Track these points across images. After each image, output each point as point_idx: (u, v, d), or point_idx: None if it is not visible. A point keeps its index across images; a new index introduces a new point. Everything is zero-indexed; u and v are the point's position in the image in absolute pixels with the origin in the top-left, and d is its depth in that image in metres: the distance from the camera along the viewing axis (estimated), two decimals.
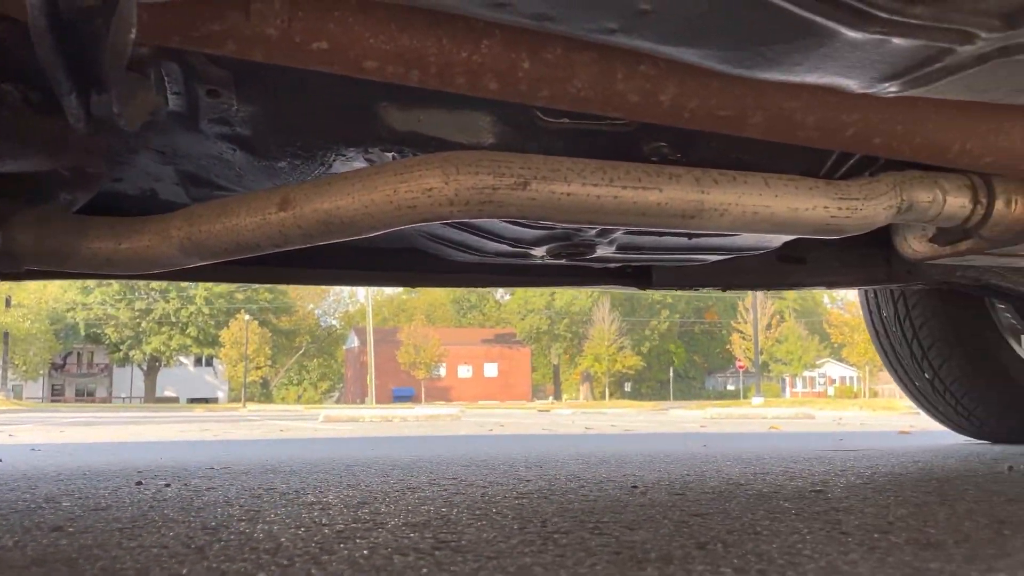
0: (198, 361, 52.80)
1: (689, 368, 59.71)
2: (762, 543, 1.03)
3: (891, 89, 0.86)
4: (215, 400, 49.68)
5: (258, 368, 47.75)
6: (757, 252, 1.76)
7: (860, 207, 1.34)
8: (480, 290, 57.14)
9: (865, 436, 3.78)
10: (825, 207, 1.32)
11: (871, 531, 1.12)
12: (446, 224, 1.52)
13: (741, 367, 46.17)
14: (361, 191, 1.12)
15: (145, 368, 49.21)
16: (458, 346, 51.52)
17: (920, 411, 2.71)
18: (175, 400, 49.90)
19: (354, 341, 52.08)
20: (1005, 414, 2.51)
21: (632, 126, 1.27)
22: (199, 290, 46.99)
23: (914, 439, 3.34)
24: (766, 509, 1.34)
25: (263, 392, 52.80)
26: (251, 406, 32.60)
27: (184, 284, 42.32)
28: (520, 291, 54.17)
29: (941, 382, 2.48)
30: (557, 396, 52.98)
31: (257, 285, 40.39)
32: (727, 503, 1.42)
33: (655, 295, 56.68)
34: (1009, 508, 1.35)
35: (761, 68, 0.82)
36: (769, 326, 45.53)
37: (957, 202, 1.46)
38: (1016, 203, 1.49)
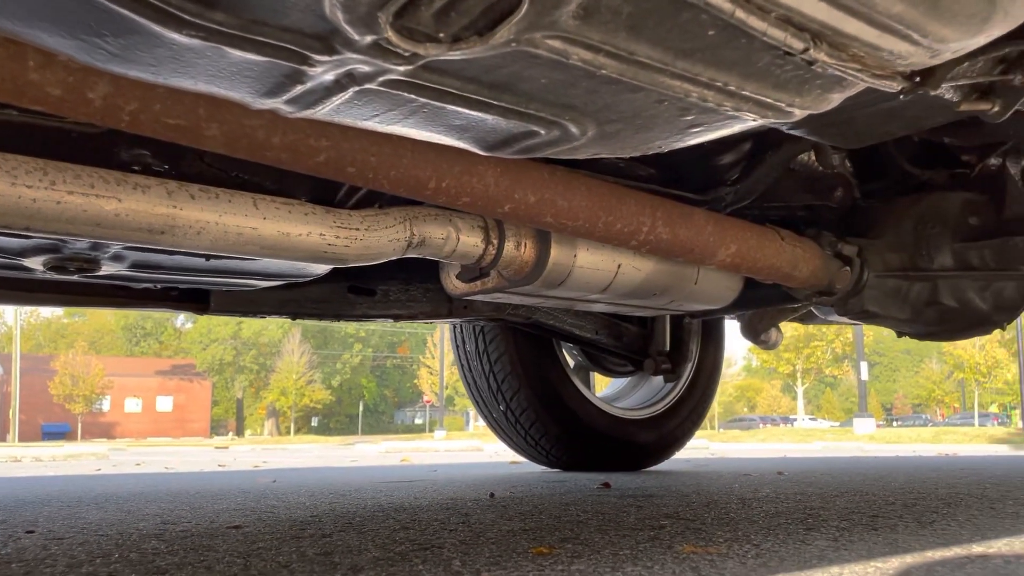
0: None
1: (380, 402, 59.96)
2: None
3: (283, 108, 0.84)
4: None
5: None
6: (303, 279, 1.72)
7: (361, 237, 1.35)
8: (156, 316, 52.55)
9: (470, 467, 3.95)
10: (321, 234, 1.31)
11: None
12: None
13: (428, 402, 47.31)
14: None
15: None
16: (127, 377, 46.74)
17: (500, 441, 2.88)
18: None
19: None
20: (569, 444, 2.75)
21: (102, 127, 1.15)
22: None
23: (520, 468, 3.55)
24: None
25: None
26: None
27: None
28: (204, 319, 50.68)
29: (512, 413, 2.66)
30: (239, 432, 50.15)
31: None
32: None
33: (349, 328, 56.32)
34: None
35: (114, 63, 0.76)
36: (455, 361, 47.20)
37: (470, 241, 1.54)
38: (525, 246, 1.61)
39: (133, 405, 47.36)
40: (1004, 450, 12.56)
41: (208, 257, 1.48)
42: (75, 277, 1.52)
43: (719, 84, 0.77)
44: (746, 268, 1.65)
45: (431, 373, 43.63)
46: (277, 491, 2.31)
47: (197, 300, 1.89)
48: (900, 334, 2.08)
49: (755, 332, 2.49)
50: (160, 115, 1.00)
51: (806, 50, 0.70)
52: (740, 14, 0.63)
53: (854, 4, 0.66)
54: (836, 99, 0.85)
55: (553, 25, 0.64)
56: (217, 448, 17.23)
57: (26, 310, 43.42)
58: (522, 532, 1.40)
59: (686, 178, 1.83)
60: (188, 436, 42.11)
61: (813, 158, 2.06)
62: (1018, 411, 28.86)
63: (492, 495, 2.07)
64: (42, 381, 41.91)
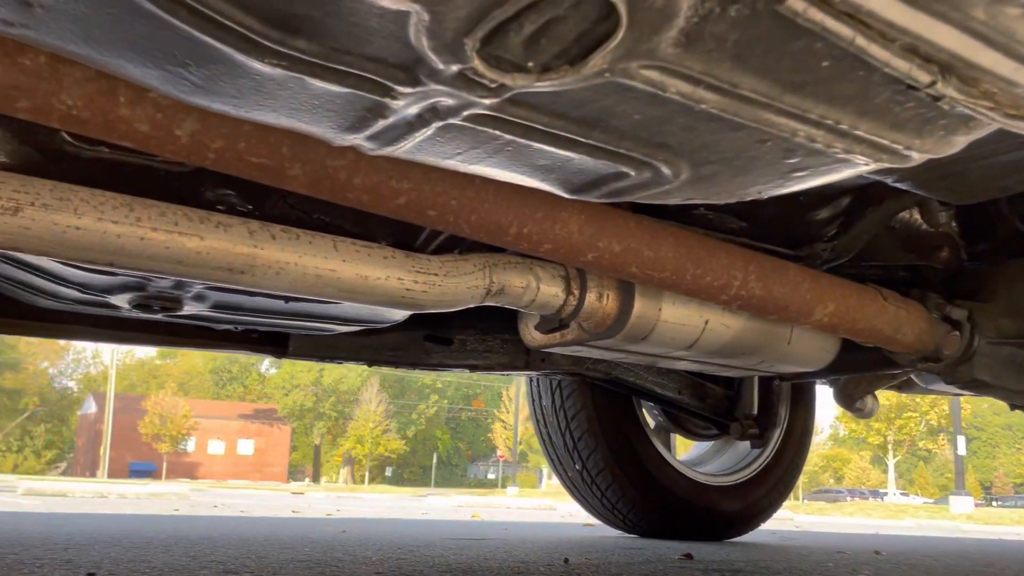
0: None
1: (453, 455, 59.85)
2: None
3: (365, 145, 0.82)
4: None
5: None
6: (381, 325, 1.70)
7: (439, 283, 1.32)
8: (242, 360, 54.14)
9: (542, 527, 3.83)
10: (400, 279, 1.28)
11: None
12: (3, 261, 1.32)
13: (501, 456, 46.95)
14: None
15: None
16: (212, 419, 48.10)
17: (574, 501, 2.78)
18: None
19: (91, 406, 47.06)
20: (647, 509, 2.62)
21: (189, 167, 1.16)
22: None
23: (594, 531, 3.40)
24: None
25: None
26: None
27: None
28: (287, 364, 51.89)
29: (588, 473, 2.56)
30: (315, 478, 50.72)
31: None
32: None
33: (426, 379, 56.74)
34: None
35: (198, 95, 0.75)
36: (530, 416, 46.76)
37: (551, 291, 1.49)
38: (607, 297, 1.55)
39: (216, 447, 48.61)
40: None
41: (287, 299, 1.47)
42: (159, 316, 1.54)
43: (830, 122, 0.71)
44: (844, 329, 1.55)
45: (505, 427, 43.38)
46: (346, 543, 2.27)
47: (276, 343, 1.89)
48: (1013, 407, 1.91)
49: (850, 399, 2.34)
50: (244, 153, 0.99)
51: (933, 83, 0.63)
52: (861, 42, 0.57)
53: (992, 33, 0.59)
54: (961, 142, 0.77)
55: (651, 53, 0.60)
56: (293, 494, 17.44)
57: (122, 350, 45.43)
58: None
59: (779, 233, 1.75)
60: (266, 480, 42.84)
61: (916, 215, 1.95)
62: None
63: (567, 560, 1.97)
64: (132, 420, 43.49)
